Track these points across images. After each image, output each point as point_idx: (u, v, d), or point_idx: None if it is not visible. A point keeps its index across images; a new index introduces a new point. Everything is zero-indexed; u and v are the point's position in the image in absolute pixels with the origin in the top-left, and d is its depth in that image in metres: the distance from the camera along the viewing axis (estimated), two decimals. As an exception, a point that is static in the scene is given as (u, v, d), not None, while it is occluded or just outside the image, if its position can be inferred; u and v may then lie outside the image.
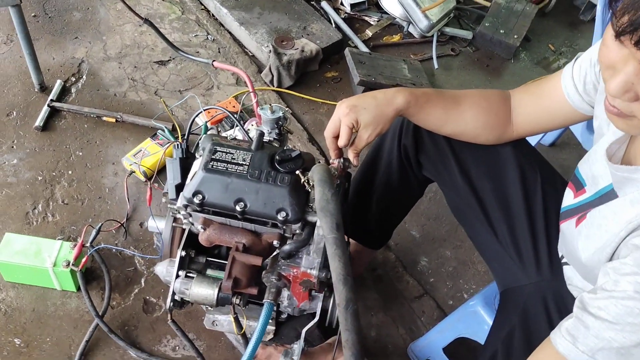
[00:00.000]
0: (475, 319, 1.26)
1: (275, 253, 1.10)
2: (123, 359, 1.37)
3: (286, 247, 1.07)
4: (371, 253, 1.53)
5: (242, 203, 1.05)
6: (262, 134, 1.12)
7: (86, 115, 1.82)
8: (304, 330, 1.22)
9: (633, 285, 0.73)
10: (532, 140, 1.92)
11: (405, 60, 2.22)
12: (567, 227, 0.99)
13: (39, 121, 1.76)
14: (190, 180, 1.07)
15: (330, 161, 1.12)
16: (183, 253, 1.15)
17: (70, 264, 1.36)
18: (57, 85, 1.87)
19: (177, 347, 1.41)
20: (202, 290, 1.12)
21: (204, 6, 2.29)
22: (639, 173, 0.81)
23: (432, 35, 2.38)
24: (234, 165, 1.06)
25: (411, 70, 2.18)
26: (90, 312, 1.37)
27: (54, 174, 1.68)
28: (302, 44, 2.11)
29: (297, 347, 1.24)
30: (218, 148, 1.08)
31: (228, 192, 1.05)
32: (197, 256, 1.20)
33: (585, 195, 0.97)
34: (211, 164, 1.06)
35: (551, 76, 1.09)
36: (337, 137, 1.09)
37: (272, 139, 1.23)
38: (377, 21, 2.42)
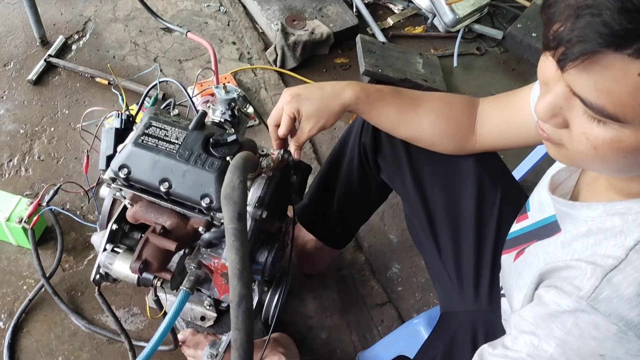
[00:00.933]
0: (415, 338, 1.17)
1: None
2: (63, 322, 1.36)
3: (206, 236, 1.02)
4: (332, 252, 1.45)
5: (166, 183, 0.99)
6: (204, 114, 1.06)
7: (80, 74, 1.81)
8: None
9: (527, 347, 0.64)
10: (541, 153, 1.78)
11: (421, 54, 2.11)
12: (506, 260, 0.89)
13: (32, 74, 1.76)
14: (119, 153, 1.03)
15: (270, 151, 1.06)
16: (115, 226, 1.11)
17: (23, 220, 1.36)
18: (58, 41, 1.87)
19: (119, 319, 1.38)
20: (123, 268, 1.08)
21: (223, -24, 2.23)
22: (576, 209, 0.71)
23: (458, 31, 2.24)
24: (165, 143, 1.01)
25: (426, 65, 2.07)
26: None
27: (36, 129, 1.67)
28: (314, 26, 2.03)
29: (225, 339, 1.19)
30: (153, 123, 1.03)
31: (154, 170, 1.00)
32: (132, 231, 1.16)
33: (527, 222, 0.86)
34: (142, 138, 1.01)
35: (522, 89, 0.99)
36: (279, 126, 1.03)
37: (223, 120, 1.17)
38: (402, 10, 2.30)
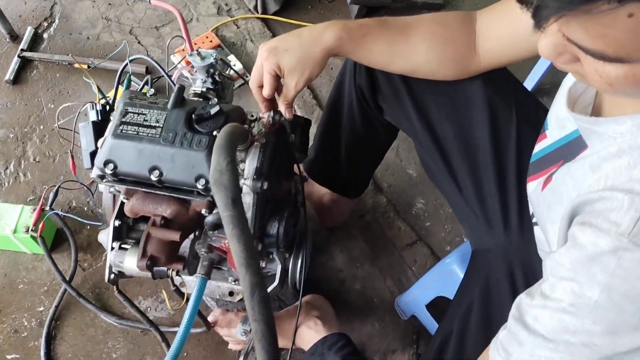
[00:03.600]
0: (451, 277, 1.12)
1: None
2: (94, 322, 1.34)
3: (209, 218, 0.95)
4: (350, 201, 1.39)
5: (157, 171, 0.92)
6: (181, 89, 0.97)
7: (58, 64, 1.72)
8: (262, 295, 1.13)
9: (569, 295, 0.56)
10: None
11: (410, -31, 1.94)
12: (534, 188, 0.80)
13: (9, 74, 1.68)
14: (101, 148, 0.96)
15: (260, 115, 0.97)
16: (117, 223, 1.06)
17: (30, 229, 1.32)
18: (28, 33, 1.77)
19: (149, 309, 1.36)
20: (134, 264, 1.03)
21: None
22: (601, 125, 0.61)
23: None
24: (146, 129, 0.93)
25: (417, -21, 1.91)
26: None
27: (25, 130, 1.61)
28: (289, -39, 1.88)
29: (256, 312, 1.15)
30: (129, 109, 0.95)
31: (141, 160, 0.93)
32: (137, 223, 1.11)
33: (546, 141, 0.78)
34: (121, 127, 0.93)
35: None
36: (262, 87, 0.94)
37: (205, 89, 1.08)
38: None
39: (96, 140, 1.01)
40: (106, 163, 0.93)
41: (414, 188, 1.57)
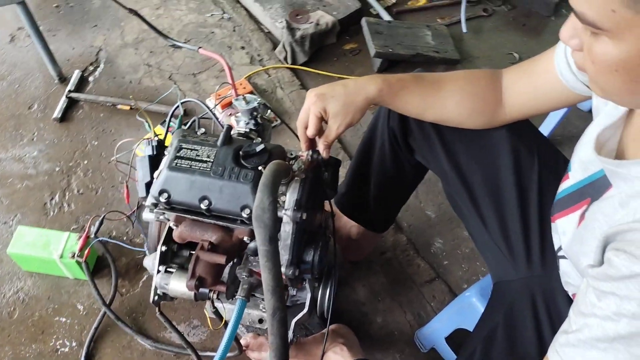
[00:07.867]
0: (470, 310, 1.19)
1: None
2: (130, 345, 1.41)
3: (252, 245, 1.05)
4: (376, 236, 1.48)
5: (206, 201, 1.03)
6: (229, 128, 1.08)
7: (102, 104, 1.86)
8: (293, 321, 1.21)
9: (612, 306, 0.64)
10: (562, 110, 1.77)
11: (429, 26, 2.09)
12: (567, 224, 0.87)
13: (57, 112, 1.82)
14: (156, 178, 1.07)
15: (300, 153, 1.08)
16: (163, 248, 1.15)
17: (75, 255, 1.41)
18: (75, 76, 1.92)
19: (183, 334, 1.44)
20: (180, 286, 1.12)
21: (221, -17, 2.25)
22: (624, 167, 0.70)
23: (462, -4, 2.22)
24: (198, 163, 1.04)
25: (435, 36, 2.06)
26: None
27: (70, 164, 1.73)
28: (318, 17, 2.04)
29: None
30: (183, 145, 1.06)
31: (192, 190, 1.03)
32: (180, 250, 1.20)
33: (568, 182, 0.87)
34: (175, 162, 1.04)
35: (545, 53, 0.98)
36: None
37: (248, 130, 1.20)
38: (402, -16, 2.29)
39: (151, 172, 1.12)
40: (161, 192, 1.04)
41: (432, 228, 1.66)
